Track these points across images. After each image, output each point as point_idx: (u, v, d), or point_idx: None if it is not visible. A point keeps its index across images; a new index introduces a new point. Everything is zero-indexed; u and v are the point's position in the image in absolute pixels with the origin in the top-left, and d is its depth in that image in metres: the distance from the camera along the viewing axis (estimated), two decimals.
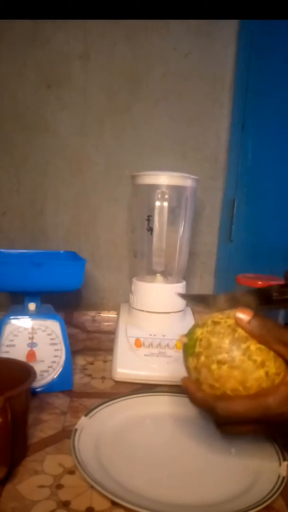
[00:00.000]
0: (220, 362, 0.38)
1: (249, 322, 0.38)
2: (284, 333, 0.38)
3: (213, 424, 0.41)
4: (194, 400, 0.40)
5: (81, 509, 0.36)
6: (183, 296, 0.60)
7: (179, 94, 0.84)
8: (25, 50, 0.79)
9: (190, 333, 0.42)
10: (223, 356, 0.38)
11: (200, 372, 0.39)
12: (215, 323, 0.40)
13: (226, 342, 0.38)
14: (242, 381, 0.37)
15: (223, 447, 0.46)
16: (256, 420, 0.37)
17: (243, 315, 0.39)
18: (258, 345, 0.38)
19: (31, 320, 0.56)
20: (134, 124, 0.84)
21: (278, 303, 0.42)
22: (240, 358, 0.38)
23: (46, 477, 0.40)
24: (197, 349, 0.40)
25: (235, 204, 0.87)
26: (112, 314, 0.87)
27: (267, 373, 0.38)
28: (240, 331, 0.39)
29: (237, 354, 0.38)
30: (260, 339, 0.38)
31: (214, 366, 0.38)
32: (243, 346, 0.38)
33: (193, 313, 0.70)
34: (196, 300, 0.51)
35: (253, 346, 0.38)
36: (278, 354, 0.38)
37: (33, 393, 0.55)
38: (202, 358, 0.39)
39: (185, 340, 0.41)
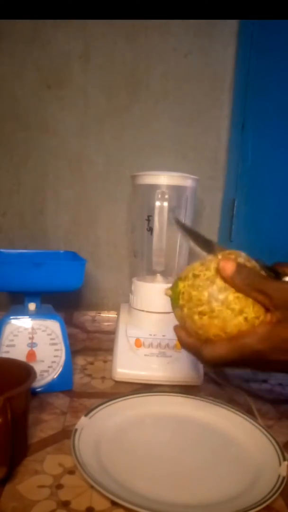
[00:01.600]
0: (201, 313, 0.41)
1: (232, 273, 0.40)
2: (263, 283, 0.40)
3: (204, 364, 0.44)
4: (184, 346, 0.44)
5: (81, 509, 0.36)
6: (180, 224, 0.50)
7: (179, 94, 0.84)
8: (25, 50, 0.79)
9: (173, 286, 0.44)
10: (203, 308, 0.41)
11: (185, 321, 0.42)
12: (195, 276, 0.42)
13: (205, 295, 0.41)
14: (223, 328, 0.40)
15: (223, 447, 0.46)
16: (238, 359, 0.40)
17: (227, 266, 0.40)
18: (237, 294, 0.40)
19: (31, 320, 0.56)
20: (134, 124, 0.84)
21: None
22: (218, 309, 0.40)
23: (46, 477, 0.40)
24: (180, 302, 0.42)
25: (235, 204, 0.86)
26: (112, 314, 0.87)
27: (246, 318, 0.40)
28: (219, 282, 0.41)
29: (215, 305, 0.40)
30: (240, 289, 0.40)
31: (196, 317, 0.41)
32: (221, 297, 0.40)
33: None
34: (195, 238, 0.47)
35: (231, 295, 0.40)
36: (257, 301, 0.40)
37: (33, 393, 0.55)
38: (185, 310, 0.42)
39: (169, 293, 0.44)
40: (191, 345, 0.42)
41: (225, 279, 0.40)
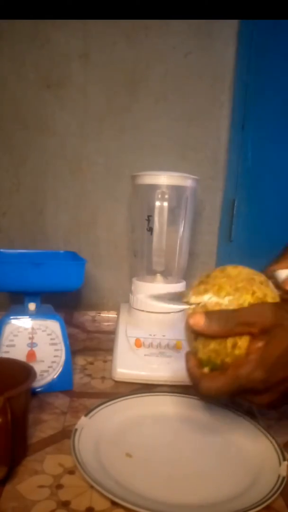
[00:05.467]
0: (234, 346, 0.40)
1: (206, 325, 0.39)
2: (238, 315, 0.39)
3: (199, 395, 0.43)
4: (189, 371, 0.43)
5: (81, 509, 0.36)
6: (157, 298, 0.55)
7: (179, 94, 0.84)
8: (25, 50, 0.79)
9: (201, 363, 0.43)
10: (233, 341, 0.40)
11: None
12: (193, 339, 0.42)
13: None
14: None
15: (223, 447, 0.46)
16: (236, 390, 0.39)
17: (196, 320, 0.39)
18: None
19: (31, 320, 0.56)
20: (134, 124, 0.84)
21: None
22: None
23: (46, 477, 0.40)
24: (218, 362, 0.41)
25: (235, 204, 0.86)
26: (112, 314, 0.87)
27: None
28: None
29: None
30: (221, 334, 0.39)
31: (236, 352, 0.40)
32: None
33: None
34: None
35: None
36: (242, 334, 0.39)
37: (33, 393, 0.55)
38: (227, 359, 0.40)
39: (207, 369, 0.42)
40: (194, 374, 0.42)
41: (204, 334, 0.40)
